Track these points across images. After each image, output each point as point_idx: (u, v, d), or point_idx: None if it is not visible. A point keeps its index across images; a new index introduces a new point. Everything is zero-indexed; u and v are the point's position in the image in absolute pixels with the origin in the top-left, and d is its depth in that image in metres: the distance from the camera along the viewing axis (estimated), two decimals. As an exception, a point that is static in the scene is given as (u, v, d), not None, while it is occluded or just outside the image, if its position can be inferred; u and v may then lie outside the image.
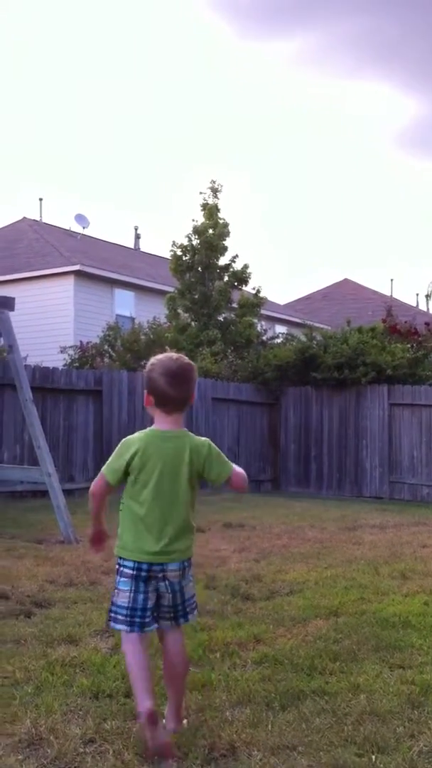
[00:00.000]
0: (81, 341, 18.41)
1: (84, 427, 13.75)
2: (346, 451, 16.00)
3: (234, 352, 18.70)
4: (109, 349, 18.11)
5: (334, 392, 16.15)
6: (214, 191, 19.50)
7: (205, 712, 3.35)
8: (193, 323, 18.81)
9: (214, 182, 19.56)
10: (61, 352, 17.90)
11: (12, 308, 9.22)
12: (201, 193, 19.47)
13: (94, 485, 3.19)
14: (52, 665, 3.87)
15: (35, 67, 54.05)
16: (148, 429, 3.20)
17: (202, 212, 19.39)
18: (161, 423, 3.17)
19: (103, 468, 3.16)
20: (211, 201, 19.42)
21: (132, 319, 21.36)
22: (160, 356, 3.19)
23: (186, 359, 3.19)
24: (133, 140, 59.33)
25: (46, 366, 13.75)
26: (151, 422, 3.22)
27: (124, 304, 22.38)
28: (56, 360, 17.38)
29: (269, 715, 3.35)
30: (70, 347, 18.13)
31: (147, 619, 3.09)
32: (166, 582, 3.10)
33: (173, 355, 3.20)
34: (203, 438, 3.29)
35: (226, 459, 3.32)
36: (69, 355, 17.77)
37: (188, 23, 48.97)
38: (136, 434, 3.19)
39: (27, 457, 11.84)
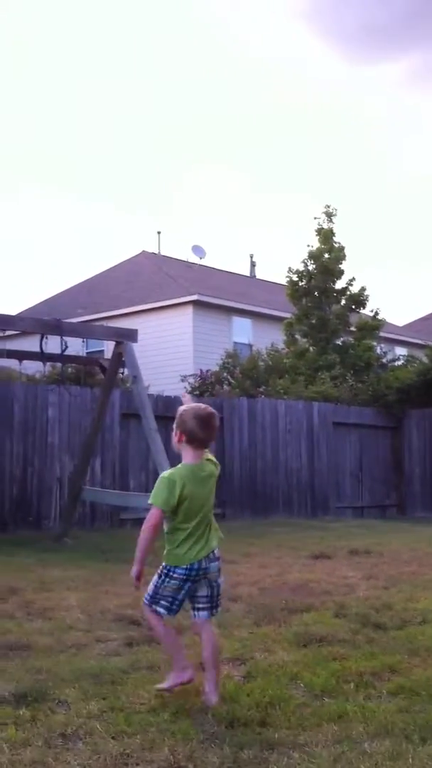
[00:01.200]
0: (200, 369, 18.67)
1: (206, 455, 13.89)
2: (475, 475, 15.49)
3: (353, 376, 18.50)
4: (228, 377, 18.27)
5: (459, 414, 15.70)
6: (329, 216, 19.49)
7: (343, 743, 3.29)
8: (311, 348, 18.75)
9: (328, 207, 19.58)
10: (182, 380, 18.20)
11: (135, 340, 9.46)
12: (315, 218, 19.50)
13: (156, 518, 3.86)
14: (187, 692, 3.89)
15: (157, 105, 55.70)
16: (181, 465, 3.96)
17: (317, 237, 19.39)
18: (190, 458, 3.97)
19: (158, 503, 3.85)
20: (326, 225, 19.40)
21: (250, 346, 21.50)
22: (192, 404, 4.00)
23: (212, 409, 3.98)
24: (248, 171, 60.06)
25: (167, 395, 14.00)
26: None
27: (242, 331, 22.56)
28: (177, 389, 17.66)
29: (409, 748, 3.25)
30: (190, 376, 18.40)
31: (179, 608, 3.94)
32: (207, 580, 3.90)
33: (202, 405, 4.00)
34: (213, 458, 4.12)
35: None
36: (189, 383, 18.04)
37: (295, 57, 49.35)
38: (175, 471, 3.96)
39: (152, 484, 12.03)
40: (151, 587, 3.96)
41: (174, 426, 3.94)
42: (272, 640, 4.93)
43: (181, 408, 3.96)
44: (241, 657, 4.59)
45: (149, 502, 3.89)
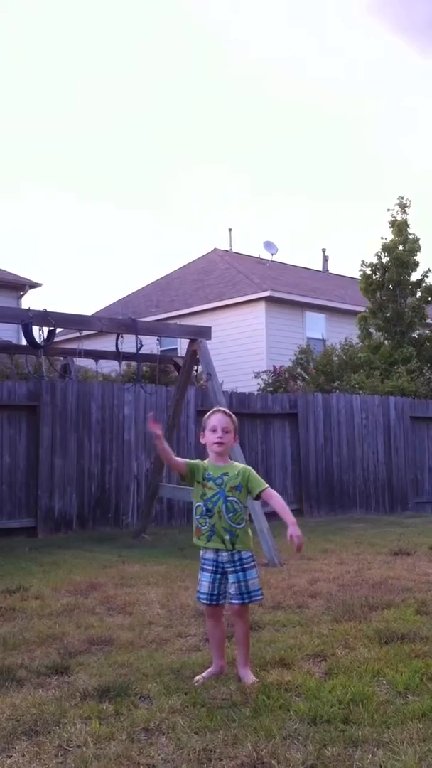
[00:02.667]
0: (274, 366, 18.61)
1: (281, 451, 13.85)
2: None
3: (431, 369, 18.16)
4: (302, 372, 18.17)
5: None
6: (403, 207, 19.17)
7: (429, 742, 3.23)
8: (386, 342, 18.49)
9: (402, 198, 19.25)
10: (256, 377, 18.17)
11: (209, 337, 9.48)
12: (389, 210, 19.22)
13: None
14: (268, 688, 3.88)
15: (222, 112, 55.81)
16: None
17: (391, 229, 19.10)
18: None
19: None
20: (399, 217, 19.10)
21: (323, 341, 21.33)
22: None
23: (228, 412, 4.35)
24: (318, 164, 59.65)
25: (241, 392, 14.00)
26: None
27: (315, 326, 22.41)
28: (250, 385, 17.67)
29: None
30: (264, 372, 18.37)
31: None
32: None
33: (221, 408, 4.45)
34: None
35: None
36: (263, 379, 18.01)
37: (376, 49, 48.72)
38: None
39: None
40: (254, 582, 4.20)
41: (233, 429, 4.30)
42: (353, 637, 4.88)
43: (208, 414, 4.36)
44: (322, 654, 4.56)
45: (264, 486, 4.22)
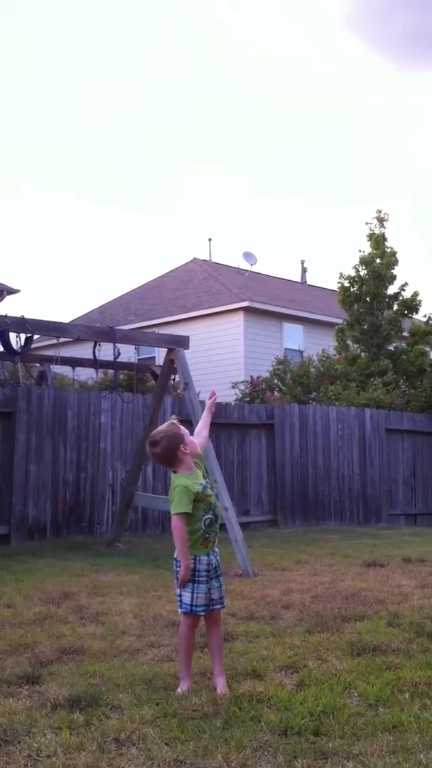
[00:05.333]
0: (251, 376, 18.64)
1: (257, 461, 13.88)
2: None
3: (406, 382, 18.29)
4: (279, 383, 18.22)
5: None
6: (381, 221, 19.31)
7: (398, 754, 3.25)
8: (363, 354, 18.59)
9: (380, 212, 19.39)
10: (233, 387, 18.18)
11: (186, 347, 9.49)
12: (367, 223, 19.35)
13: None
14: (240, 700, 3.88)
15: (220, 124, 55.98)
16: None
17: (369, 242, 19.23)
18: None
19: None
20: (377, 230, 19.24)
21: (301, 352, 21.41)
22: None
23: (155, 434, 4.28)
24: (297, 178, 60.01)
25: (218, 402, 14.02)
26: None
27: (293, 337, 22.48)
28: (227, 395, 17.68)
29: (466, 761, 3.19)
30: (241, 382, 18.39)
31: None
32: None
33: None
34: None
35: (175, 501, 4.13)
36: (240, 390, 18.02)
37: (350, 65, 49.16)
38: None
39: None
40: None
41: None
42: (325, 649, 4.89)
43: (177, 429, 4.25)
44: (294, 665, 4.57)
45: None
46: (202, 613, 4.17)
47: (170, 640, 5.17)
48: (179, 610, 4.21)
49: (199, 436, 4.46)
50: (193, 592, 4.12)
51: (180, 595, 4.16)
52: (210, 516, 4.17)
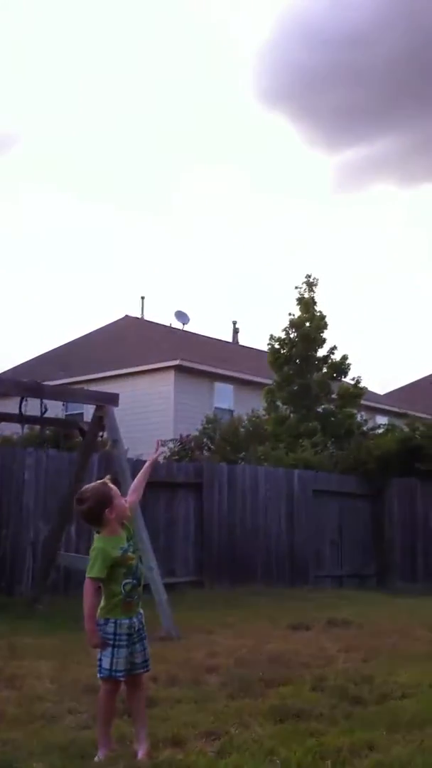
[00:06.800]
0: (181, 434, 18.59)
1: (185, 520, 13.74)
2: (455, 545, 15.37)
3: (335, 444, 18.49)
4: (208, 442, 18.20)
5: (440, 483, 15.66)
6: (310, 285, 19.74)
7: None
8: (292, 415, 18.78)
9: (309, 276, 19.84)
10: (162, 445, 18.05)
11: (116, 404, 9.44)
12: (296, 287, 19.75)
13: None
14: (159, 767, 3.75)
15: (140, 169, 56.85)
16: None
17: (299, 306, 19.61)
18: None
19: None
20: (306, 295, 19.65)
21: (231, 411, 21.50)
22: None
23: (84, 492, 4.18)
24: (232, 239, 61.09)
25: (146, 460, 13.90)
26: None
27: (224, 397, 22.60)
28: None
29: None
30: (170, 440, 18.31)
31: None
32: None
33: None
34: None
35: (90, 564, 4.08)
36: (169, 448, 17.93)
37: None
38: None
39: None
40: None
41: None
42: (248, 714, 4.79)
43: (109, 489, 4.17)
44: (216, 731, 4.45)
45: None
46: (121, 678, 4.04)
47: (89, 706, 4.99)
48: (98, 675, 4.07)
49: (132, 493, 4.39)
50: (112, 657, 4.00)
51: (100, 659, 4.03)
52: (130, 581, 4.07)
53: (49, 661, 6.53)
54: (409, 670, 6.42)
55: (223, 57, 49.56)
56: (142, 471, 4.52)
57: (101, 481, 4.22)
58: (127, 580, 4.05)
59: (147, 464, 4.58)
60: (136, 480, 4.50)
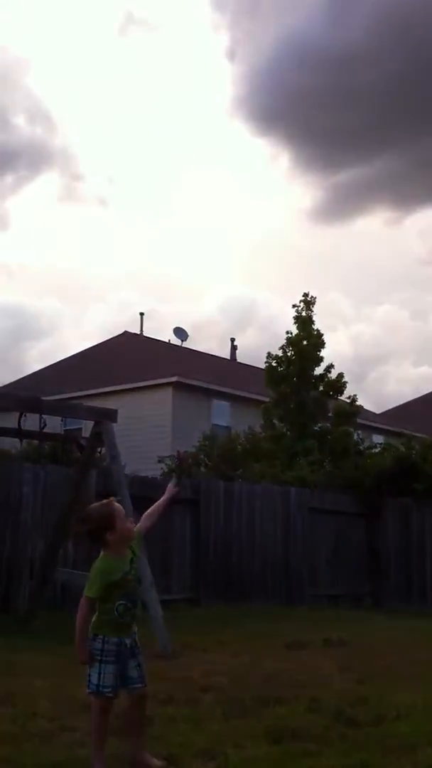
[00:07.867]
0: (178, 451, 18.57)
1: (181, 537, 13.73)
2: (451, 565, 15.36)
3: (331, 462, 18.50)
4: (206, 459, 18.21)
5: (436, 503, 15.68)
6: (308, 304, 19.81)
7: None
8: (288, 433, 18.80)
9: (306, 295, 19.90)
10: (159, 461, 18.08)
11: (115, 420, 9.46)
12: (294, 306, 19.82)
13: None
14: None
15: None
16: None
17: (296, 324, 19.67)
18: None
19: None
20: (304, 313, 19.71)
21: (228, 428, 21.52)
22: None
23: (88, 511, 4.23)
24: (229, 257, 61.36)
25: (143, 475, 13.91)
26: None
27: (221, 414, 22.63)
28: (153, 469, 17.56)
29: None
30: (168, 456, 18.31)
31: None
32: None
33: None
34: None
35: (88, 583, 4.15)
36: (166, 464, 17.93)
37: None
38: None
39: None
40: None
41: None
42: (243, 735, 4.80)
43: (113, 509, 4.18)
44: (212, 751, 4.46)
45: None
46: (110, 695, 4.08)
47: (85, 723, 5.00)
48: (87, 690, 4.12)
49: (146, 519, 4.40)
50: (100, 672, 4.07)
51: (89, 675, 4.09)
52: (124, 602, 4.10)
53: (44, 678, 6.53)
54: (405, 691, 6.43)
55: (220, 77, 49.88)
56: (161, 502, 4.51)
57: (106, 501, 4.22)
58: (121, 602, 4.08)
59: (167, 496, 4.54)
60: (152, 508, 4.47)
